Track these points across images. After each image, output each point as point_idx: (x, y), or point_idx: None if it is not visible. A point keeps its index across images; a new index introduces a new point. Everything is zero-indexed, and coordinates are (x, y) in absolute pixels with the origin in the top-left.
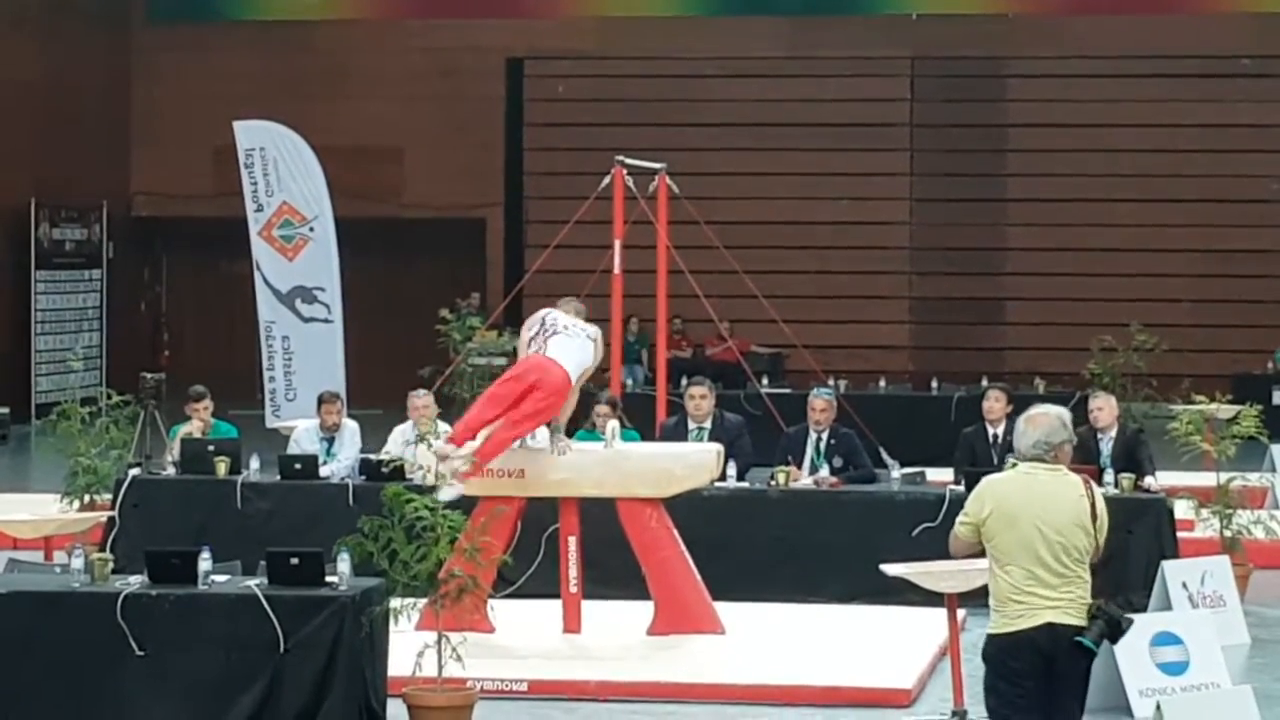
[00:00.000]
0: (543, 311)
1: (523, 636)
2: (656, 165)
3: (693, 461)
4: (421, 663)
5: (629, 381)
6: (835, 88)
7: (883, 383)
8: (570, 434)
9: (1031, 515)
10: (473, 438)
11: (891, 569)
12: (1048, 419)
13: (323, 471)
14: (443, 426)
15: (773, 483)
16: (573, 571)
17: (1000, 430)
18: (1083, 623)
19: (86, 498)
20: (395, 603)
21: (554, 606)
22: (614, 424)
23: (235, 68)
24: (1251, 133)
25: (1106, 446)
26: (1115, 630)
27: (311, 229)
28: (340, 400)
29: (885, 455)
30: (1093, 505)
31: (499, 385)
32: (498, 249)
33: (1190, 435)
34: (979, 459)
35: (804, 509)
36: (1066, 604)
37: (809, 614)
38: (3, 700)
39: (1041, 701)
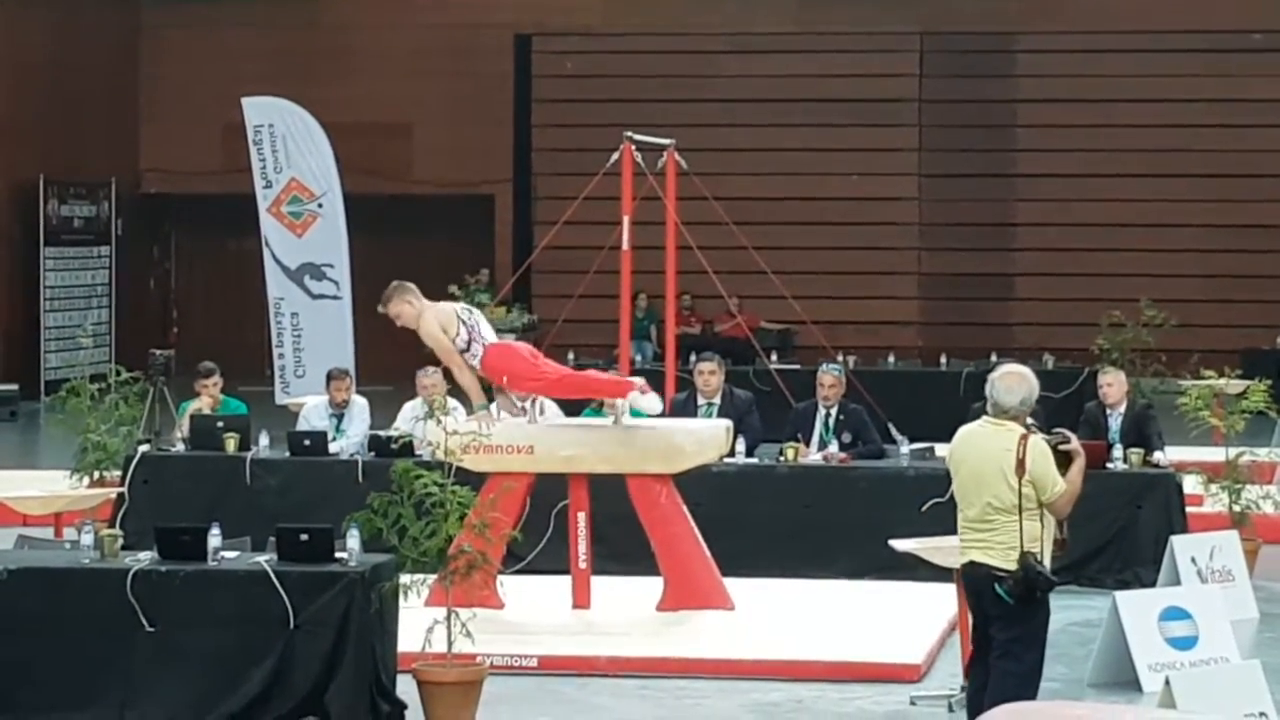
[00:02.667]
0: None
1: (532, 612)
2: (665, 141)
3: (702, 437)
4: (431, 639)
5: (638, 358)
6: (844, 63)
7: (892, 358)
8: (579, 411)
9: (968, 465)
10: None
11: (900, 544)
12: (1025, 380)
13: (332, 448)
14: (452, 403)
15: (781, 459)
16: (582, 547)
17: None
18: (1007, 567)
19: (96, 474)
20: (405, 579)
21: (563, 582)
22: (622, 400)
23: (243, 44)
24: (1261, 107)
25: (1115, 422)
26: (1030, 586)
27: (320, 205)
28: (349, 377)
29: (894, 431)
30: (1021, 460)
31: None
32: (506, 225)
33: (1199, 410)
34: None
35: (813, 485)
36: (993, 546)
37: (818, 589)
38: (13, 676)
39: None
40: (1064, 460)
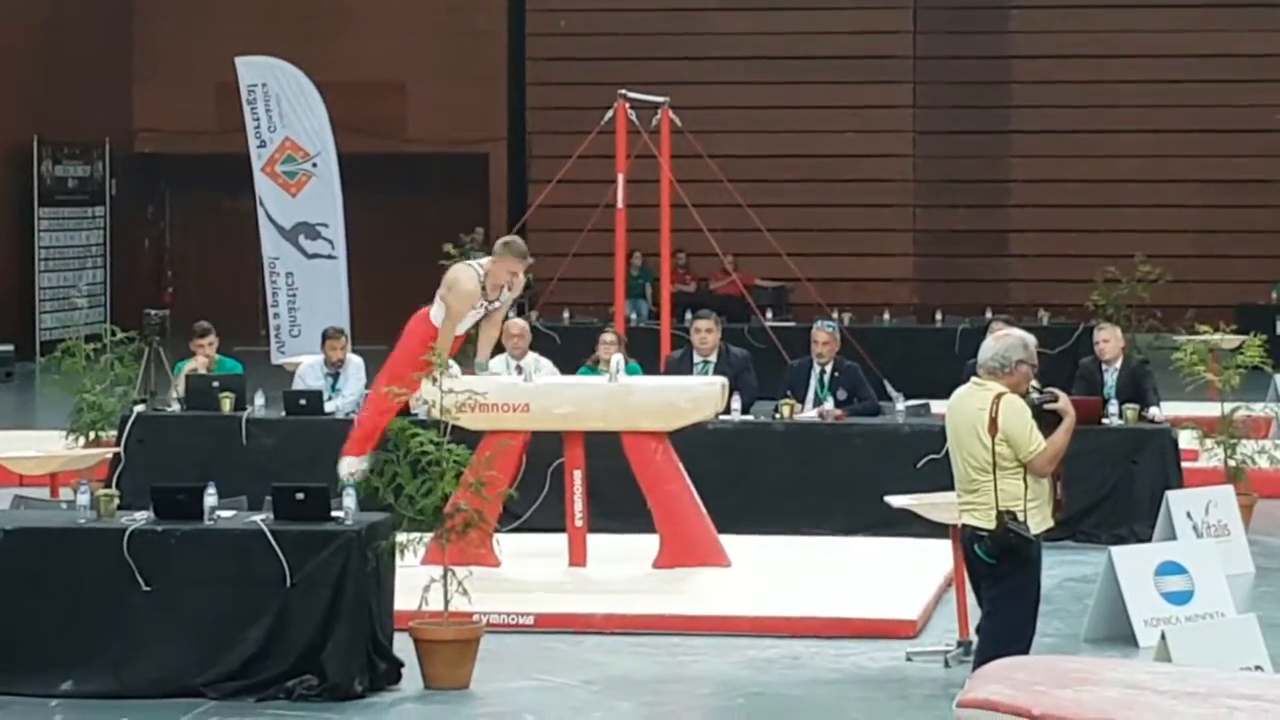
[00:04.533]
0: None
1: (528, 570)
2: (659, 99)
3: (698, 395)
4: (428, 597)
5: (633, 316)
6: (838, 20)
7: (886, 315)
8: (574, 370)
9: (951, 425)
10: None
11: (896, 500)
12: (1010, 338)
13: (328, 407)
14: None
15: (777, 416)
16: (578, 505)
17: None
18: (987, 526)
19: (92, 434)
20: (401, 537)
21: (560, 540)
22: (618, 358)
23: (237, 3)
24: (1255, 62)
25: (1111, 378)
26: (1005, 545)
27: (314, 165)
28: (344, 336)
29: (889, 388)
30: (993, 419)
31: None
32: (501, 184)
33: (1194, 366)
34: None
35: (809, 442)
36: (977, 507)
37: (814, 546)
38: (10, 636)
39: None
40: (1055, 420)
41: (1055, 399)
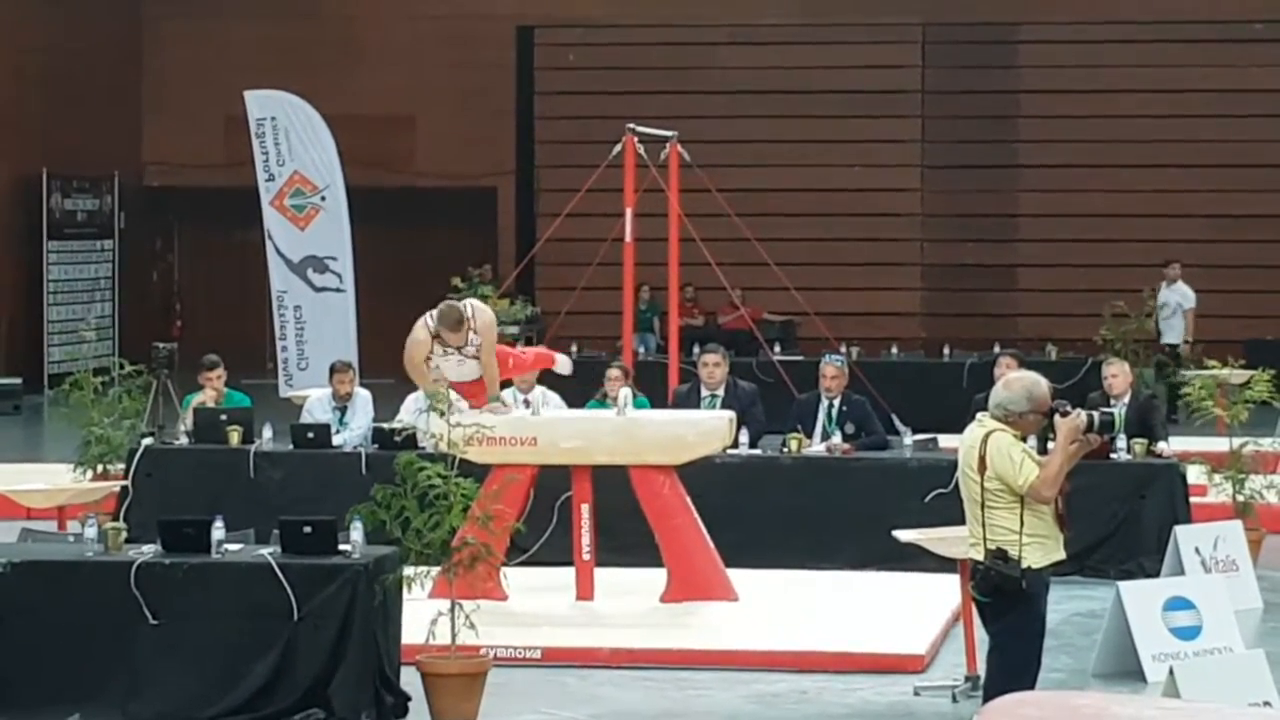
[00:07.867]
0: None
1: (536, 604)
2: (668, 133)
3: (705, 429)
4: (435, 631)
5: (641, 350)
6: (846, 55)
7: (895, 349)
8: (581, 403)
9: (959, 463)
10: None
11: (904, 535)
12: (1018, 385)
13: (335, 440)
14: (454, 395)
15: (785, 450)
16: (586, 539)
17: None
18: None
19: (100, 467)
20: (408, 571)
21: (567, 574)
22: (626, 392)
23: (246, 36)
24: (1264, 97)
25: (1120, 412)
26: (991, 582)
27: (323, 198)
28: (352, 369)
29: (897, 422)
30: (981, 457)
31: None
32: (509, 217)
33: (1203, 400)
34: None
35: (816, 476)
36: (976, 542)
37: (822, 580)
38: (17, 669)
39: None
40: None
41: (1067, 412)
